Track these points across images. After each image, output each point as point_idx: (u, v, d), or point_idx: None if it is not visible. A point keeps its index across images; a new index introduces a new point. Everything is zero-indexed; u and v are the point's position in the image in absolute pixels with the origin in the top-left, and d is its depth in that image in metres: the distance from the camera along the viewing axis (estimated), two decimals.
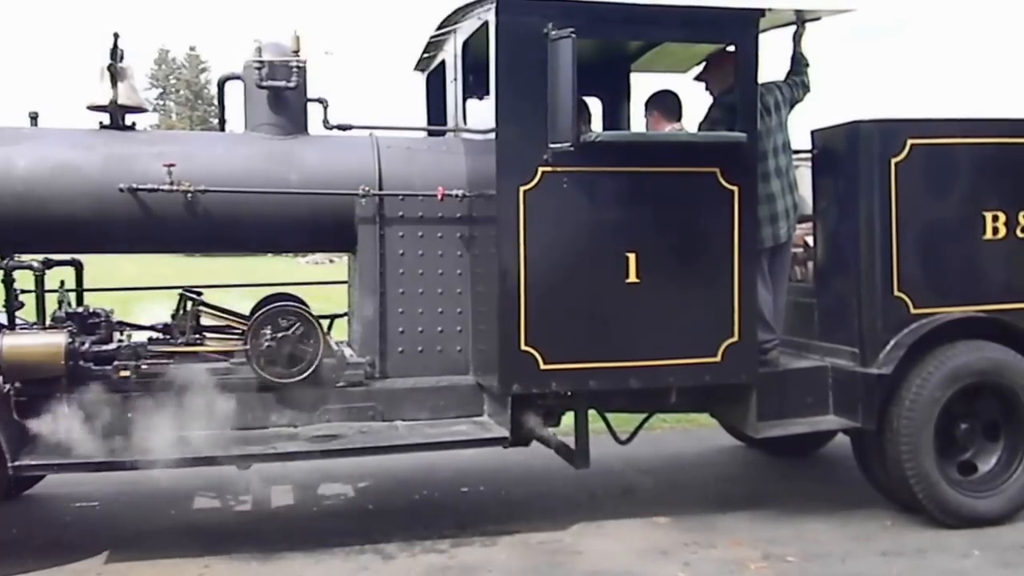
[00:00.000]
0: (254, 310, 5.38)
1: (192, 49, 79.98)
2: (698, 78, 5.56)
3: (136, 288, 6.06)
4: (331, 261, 39.36)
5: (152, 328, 5.23)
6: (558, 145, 4.62)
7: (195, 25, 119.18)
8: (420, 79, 6.30)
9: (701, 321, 4.91)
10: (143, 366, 4.65)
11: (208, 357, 4.99)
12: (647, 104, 5.34)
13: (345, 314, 5.60)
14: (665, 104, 5.27)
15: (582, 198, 4.77)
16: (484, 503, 5.59)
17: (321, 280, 6.16)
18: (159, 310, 5.37)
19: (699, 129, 5.33)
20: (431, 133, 5.79)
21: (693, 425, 7.14)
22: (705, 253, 4.92)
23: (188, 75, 78.11)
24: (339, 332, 5.55)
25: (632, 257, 4.81)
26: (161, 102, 77.19)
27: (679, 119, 5.25)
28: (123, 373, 4.61)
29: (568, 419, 5.26)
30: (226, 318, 5.16)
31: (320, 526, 5.12)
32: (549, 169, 4.70)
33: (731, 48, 5.16)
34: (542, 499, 5.58)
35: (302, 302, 5.20)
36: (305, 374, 4.85)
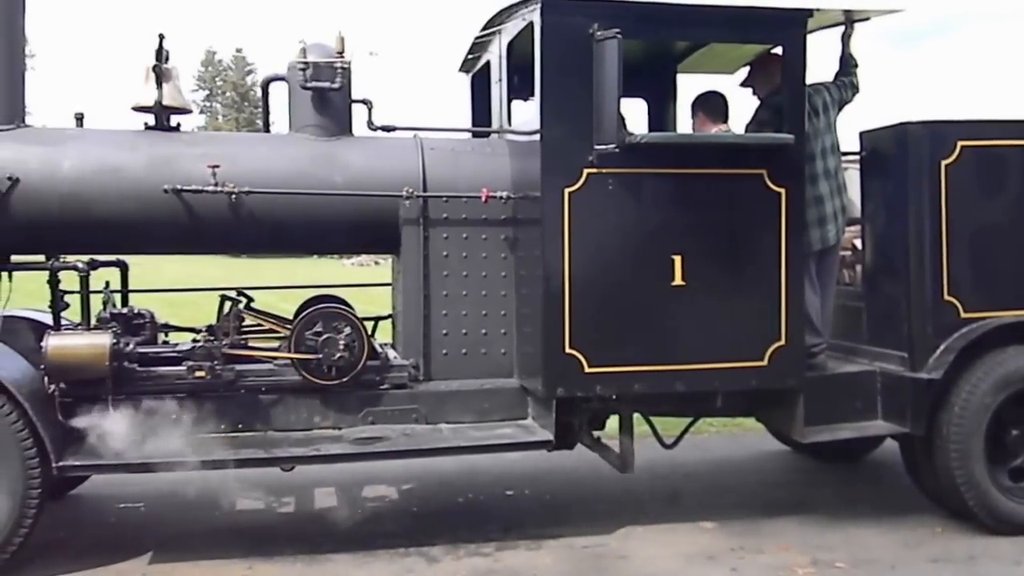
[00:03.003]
0: (298, 312, 5.40)
1: (239, 51, 79.92)
2: (744, 84, 5.50)
3: (182, 289, 6.08)
4: (376, 263, 39.58)
5: (193, 330, 5.25)
6: (603, 147, 4.58)
7: (242, 26, 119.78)
8: (465, 80, 6.28)
9: (748, 324, 4.84)
10: (218, 367, 4.67)
11: (252, 359, 4.99)
12: (693, 105, 5.29)
13: (389, 316, 5.58)
14: (712, 105, 5.21)
15: (627, 200, 4.73)
16: (528, 507, 5.55)
17: (364, 282, 6.13)
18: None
19: (746, 131, 5.27)
20: (475, 134, 5.76)
21: (739, 430, 7.06)
22: (752, 256, 4.85)
23: (234, 77, 78.01)
24: (383, 334, 5.52)
25: (678, 260, 4.76)
26: (208, 104, 77.19)
27: (726, 120, 5.20)
28: (199, 374, 4.63)
29: (612, 423, 5.22)
30: (270, 321, 5.15)
31: (364, 528, 5.10)
32: (594, 170, 4.66)
33: (777, 50, 5.11)
34: (586, 503, 5.54)
35: (346, 304, 5.20)
36: (349, 376, 4.84)
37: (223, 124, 69.70)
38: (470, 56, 6.03)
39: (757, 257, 4.85)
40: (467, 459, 5.52)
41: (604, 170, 4.66)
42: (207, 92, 78.13)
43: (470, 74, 6.21)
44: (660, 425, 5.41)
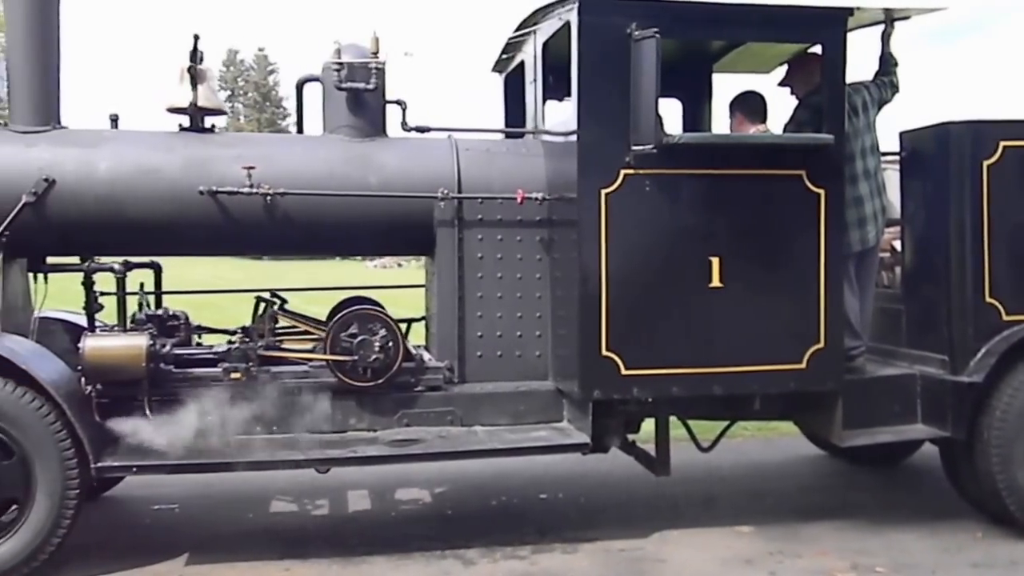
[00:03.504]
0: (331, 314, 5.39)
1: (261, 50, 79.76)
2: (782, 83, 5.44)
3: (217, 291, 6.10)
4: (399, 265, 39.62)
5: (226, 332, 5.25)
6: (640, 147, 4.54)
7: (264, 26, 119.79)
8: (498, 80, 6.25)
9: (786, 327, 4.79)
10: (253, 369, 4.67)
11: (287, 361, 4.98)
12: (731, 105, 5.24)
13: (422, 318, 5.56)
14: (750, 105, 5.16)
15: (665, 201, 4.69)
16: (563, 510, 5.51)
17: (397, 284, 6.11)
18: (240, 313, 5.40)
19: (784, 131, 5.21)
20: (510, 135, 5.72)
21: (774, 434, 6.99)
22: (790, 257, 4.80)
23: (256, 77, 77.68)
24: (415, 337, 5.50)
25: (715, 261, 4.71)
26: (229, 104, 76.80)
27: (764, 121, 5.14)
28: (234, 376, 4.63)
29: (647, 426, 5.18)
30: (304, 323, 5.14)
31: (399, 531, 5.09)
32: (631, 171, 4.62)
33: (816, 48, 5.06)
34: (621, 507, 5.49)
35: (379, 306, 5.18)
36: (384, 378, 4.82)
37: (245, 125, 69.50)
38: (504, 56, 6.00)
39: (796, 259, 4.79)
40: (500, 462, 5.48)
41: (641, 171, 4.62)
42: (229, 92, 77.81)
43: (503, 74, 6.18)
44: (694, 428, 5.35)
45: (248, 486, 5.66)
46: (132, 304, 5.02)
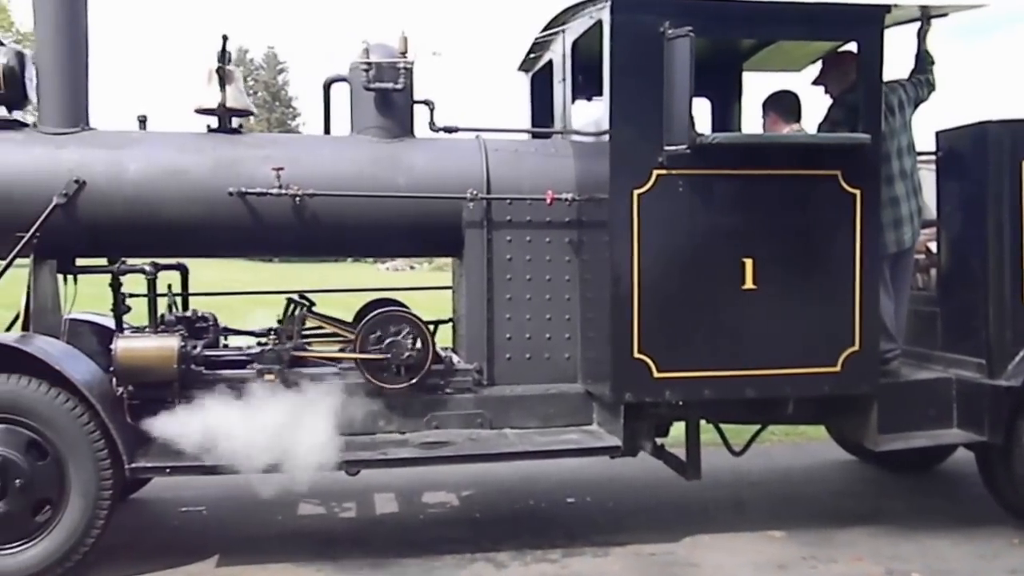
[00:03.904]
0: (358, 315, 5.37)
1: (270, 48, 79.33)
2: (815, 82, 5.37)
3: (242, 292, 6.07)
4: (412, 267, 39.65)
5: (253, 333, 5.23)
6: (673, 147, 4.50)
7: (273, 24, 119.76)
8: (523, 79, 6.21)
9: (820, 329, 4.73)
10: (286, 371, 4.66)
11: (315, 363, 4.96)
12: (765, 104, 5.17)
13: (449, 320, 5.52)
14: (784, 104, 5.09)
15: (698, 201, 4.63)
16: (592, 513, 5.46)
17: (424, 286, 6.08)
18: (259, 316, 5.38)
19: (818, 130, 5.16)
20: (539, 135, 5.68)
21: (803, 438, 6.91)
22: (825, 259, 4.73)
23: (266, 76, 77.30)
24: (440, 339, 5.46)
25: (749, 263, 4.66)
26: None
27: (798, 120, 5.07)
28: (268, 377, 4.61)
29: (675, 429, 5.13)
30: (333, 324, 5.12)
31: (429, 534, 5.05)
32: (664, 172, 4.57)
33: (851, 46, 4.99)
34: (651, 511, 5.44)
35: (406, 307, 5.15)
36: (414, 380, 4.80)
37: (254, 125, 69.29)
38: (531, 55, 5.95)
39: (831, 260, 4.73)
40: (526, 465, 5.43)
41: (674, 171, 4.57)
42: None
43: (530, 73, 6.13)
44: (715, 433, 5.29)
45: (274, 488, 5.62)
46: (161, 306, 5.01)
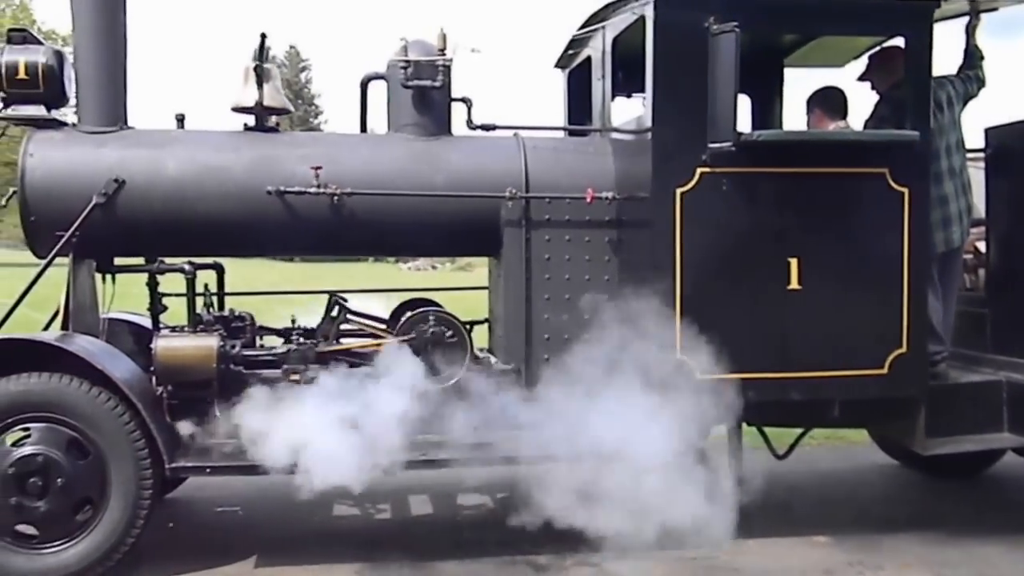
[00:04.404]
0: (393, 315, 5.33)
1: (292, 47, 79.58)
2: (861, 78, 5.27)
3: (280, 292, 6.05)
4: (433, 267, 39.64)
5: (290, 332, 5.18)
6: (718, 145, 4.42)
7: (295, 22, 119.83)
8: (559, 76, 6.15)
9: (867, 331, 4.64)
10: (311, 371, 4.61)
11: (353, 363, 4.92)
12: (810, 101, 5.08)
13: (485, 320, 5.47)
14: (831, 101, 5.00)
15: (742, 200, 4.56)
16: None
17: (460, 287, 6.03)
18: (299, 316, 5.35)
19: (864, 128, 5.06)
20: (579, 132, 5.62)
21: (843, 441, 6.80)
22: (872, 259, 4.64)
23: (288, 74, 77.06)
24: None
25: (794, 263, 4.58)
26: None
27: (844, 117, 4.98)
28: (294, 377, 4.57)
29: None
30: (370, 325, 5.08)
31: (465, 536, 5.00)
32: (708, 170, 4.50)
33: (897, 41, 4.90)
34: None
35: (442, 308, 5.11)
36: (452, 380, 4.75)
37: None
38: (568, 52, 5.89)
39: (878, 260, 4.64)
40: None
41: (718, 169, 4.50)
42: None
43: (566, 71, 6.07)
44: (753, 435, 5.19)
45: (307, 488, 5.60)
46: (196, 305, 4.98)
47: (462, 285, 6.22)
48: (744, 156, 4.46)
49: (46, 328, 5.04)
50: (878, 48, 5.32)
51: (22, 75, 4.64)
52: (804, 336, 4.61)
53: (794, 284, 4.58)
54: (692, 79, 4.45)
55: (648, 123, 4.57)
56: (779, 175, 4.60)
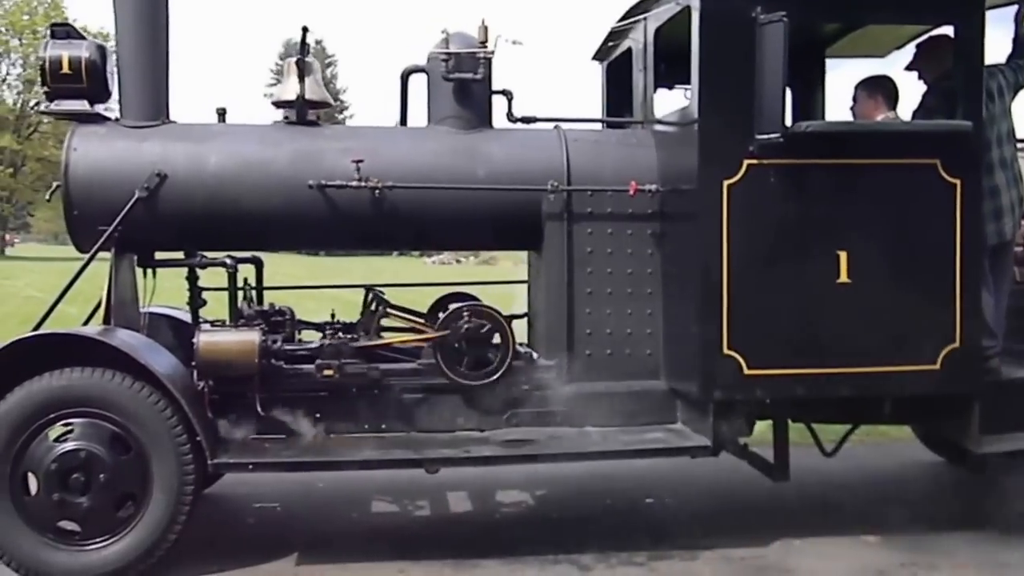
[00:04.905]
0: (431, 310, 5.29)
1: (318, 42, 79.14)
2: (909, 67, 5.16)
3: (318, 286, 6.02)
4: (458, 261, 39.63)
5: (329, 326, 5.15)
6: (766, 136, 4.35)
7: (321, 17, 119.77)
8: (597, 69, 6.08)
9: (919, 325, 4.54)
10: (346, 366, 4.56)
11: (393, 358, 4.88)
12: (857, 89, 4.97)
13: (524, 315, 5.41)
14: (880, 90, 4.89)
15: (790, 192, 4.47)
16: (673, 515, 5.31)
17: (497, 280, 5.98)
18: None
19: (912, 118, 4.95)
20: (620, 125, 5.55)
21: (885, 438, 6.67)
22: (924, 251, 4.54)
23: None
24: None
25: (843, 256, 4.49)
26: None
27: (894, 107, 4.88)
28: (327, 373, 4.53)
29: (760, 428, 4.95)
30: (410, 319, 5.03)
31: (507, 534, 4.94)
32: (755, 161, 4.42)
33: (946, 30, 4.80)
34: (735, 513, 5.25)
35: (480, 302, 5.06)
36: (495, 376, 4.70)
37: None
38: (609, 44, 5.82)
39: (929, 253, 4.54)
40: (601, 465, 5.25)
41: (766, 161, 4.42)
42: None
43: (605, 63, 6.01)
44: (800, 432, 5.09)
45: (346, 485, 5.57)
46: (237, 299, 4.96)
47: (493, 279, 6.18)
48: (792, 148, 4.37)
49: (86, 323, 5.04)
50: (926, 37, 5.21)
51: (65, 70, 4.64)
52: (854, 331, 4.51)
53: (843, 278, 4.49)
54: (739, 70, 4.38)
55: (694, 115, 4.50)
56: (827, 167, 4.51)
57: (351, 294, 5.65)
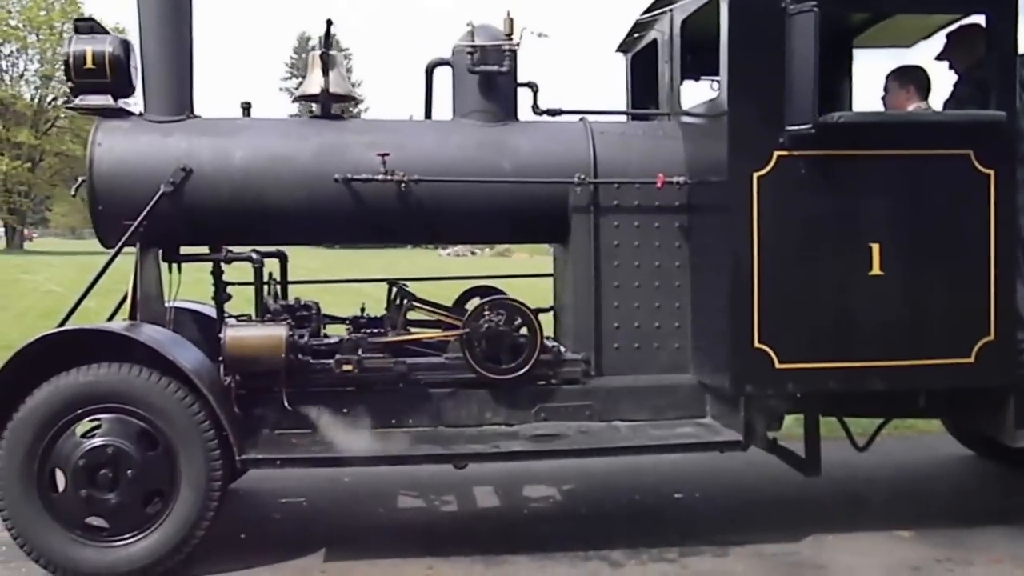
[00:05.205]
0: (457, 303, 5.26)
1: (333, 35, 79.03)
2: (939, 57, 5.09)
3: (343, 280, 6.01)
4: (473, 253, 39.60)
5: (355, 321, 5.13)
6: (796, 127, 4.29)
7: (336, 10, 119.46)
8: (621, 60, 6.02)
9: (953, 318, 4.47)
10: (365, 361, 4.53)
11: (421, 352, 4.85)
12: (889, 79, 4.91)
13: (550, 308, 5.37)
14: (912, 80, 4.82)
15: (821, 184, 4.41)
16: (703, 510, 5.27)
17: (525, 273, 5.94)
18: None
19: (944, 108, 4.88)
20: (646, 117, 5.49)
21: (914, 431, 6.61)
22: (957, 243, 4.47)
23: None
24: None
25: (875, 248, 4.42)
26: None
27: (926, 98, 4.81)
28: (345, 367, 4.50)
29: (787, 422, 4.89)
30: (437, 312, 5.01)
31: (536, 530, 4.91)
32: (785, 153, 4.37)
33: (978, 19, 4.72)
34: (765, 508, 5.21)
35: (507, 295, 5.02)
36: (523, 370, 4.66)
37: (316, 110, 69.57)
38: (634, 36, 5.76)
39: (963, 245, 4.47)
40: (628, 460, 5.23)
41: (796, 153, 4.36)
42: (300, 79, 77.76)
43: (629, 54, 5.95)
44: (828, 425, 5.01)
45: (372, 481, 5.55)
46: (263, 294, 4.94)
47: (510, 272, 6.13)
48: (822, 139, 4.30)
49: (110, 318, 5.04)
50: (956, 26, 5.12)
51: (89, 65, 4.62)
52: (887, 324, 4.45)
53: (876, 270, 4.43)
54: (768, 61, 4.32)
55: (723, 106, 4.44)
56: (859, 158, 4.45)
57: (372, 288, 5.62)
